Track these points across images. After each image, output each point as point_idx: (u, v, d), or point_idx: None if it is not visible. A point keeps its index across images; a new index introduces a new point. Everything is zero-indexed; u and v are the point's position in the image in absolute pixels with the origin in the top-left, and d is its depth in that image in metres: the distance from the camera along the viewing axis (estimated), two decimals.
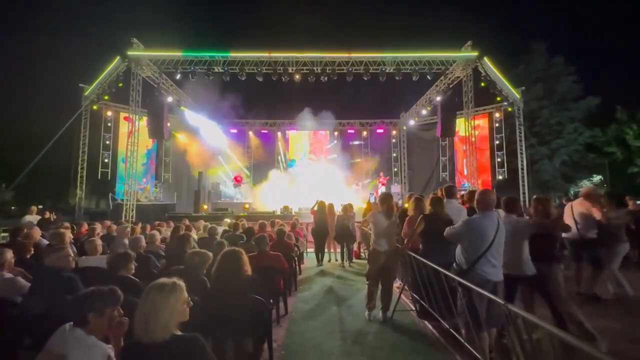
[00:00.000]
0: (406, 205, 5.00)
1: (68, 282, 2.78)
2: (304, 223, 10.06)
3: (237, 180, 15.55)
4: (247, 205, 13.84)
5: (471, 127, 13.45)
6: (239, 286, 2.59)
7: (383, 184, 15.71)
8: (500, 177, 15.83)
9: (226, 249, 2.75)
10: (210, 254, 3.02)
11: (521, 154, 14.84)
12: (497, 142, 16.08)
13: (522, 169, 14.79)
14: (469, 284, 2.68)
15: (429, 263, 3.48)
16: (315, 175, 15.24)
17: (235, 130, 18.32)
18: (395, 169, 18.90)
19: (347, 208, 8.18)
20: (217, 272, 2.62)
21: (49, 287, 2.68)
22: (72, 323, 1.69)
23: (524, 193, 14.59)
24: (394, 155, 19.02)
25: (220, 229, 6.61)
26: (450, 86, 13.73)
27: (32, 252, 4.01)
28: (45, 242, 4.98)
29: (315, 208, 8.55)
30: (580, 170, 22.31)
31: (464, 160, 16.06)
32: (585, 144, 21.89)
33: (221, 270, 2.62)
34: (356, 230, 8.34)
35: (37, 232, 4.98)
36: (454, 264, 3.18)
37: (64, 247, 3.10)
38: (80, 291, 2.49)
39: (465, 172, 15.95)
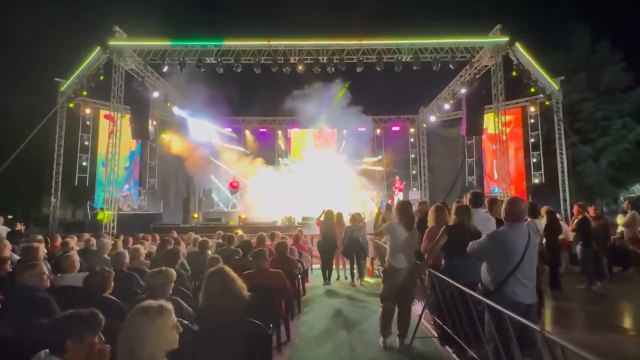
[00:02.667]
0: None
1: (43, 304, 2.83)
2: (308, 235, 10.06)
3: (234, 187, 15.61)
4: (243, 215, 13.91)
5: (502, 123, 13.38)
6: (232, 309, 2.61)
7: (400, 190, 15.67)
8: (537, 182, 15.68)
9: (211, 269, 2.79)
10: (173, 270, 3.07)
11: (561, 154, 14.70)
12: (533, 140, 15.94)
13: (563, 171, 14.64)
14: (497, 307, 2.67)
15: (453, 282, 3.47)
16: (321, 180, 15.25)
17: (230, 129, 18.49)
18: (414, 172, 18.85)
19: (356, 218, 8.19)
20: (205, 295, 2.65)
21: (21, 309, 2.73)
22: (47, 350, 1.73)
23: (564, 200, 14.42)
24: (412, 156, 18.97)
25: (212, 243, 6.66)
26: (477, 77, 13.70)
27: (4, 269, 4.07)
28: (17, 257, 5.07)
29: (322, 218, 8.57)
30: (632, 172, 21.96)
31: (494, 162, 15.96)
32: (636, 141, 21.57)
33: (209, 293, 2.64)
34: (368, 243, 8.34)
35: (7, 247, 5.06)
36: (479, 284, 3.18)
37: (38, 264, 3.16)
38: (57, 314, 2.55)
39: (496, 176, 15.84)
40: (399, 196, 15.49)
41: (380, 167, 18.35)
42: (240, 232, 7.87)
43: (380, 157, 18.46)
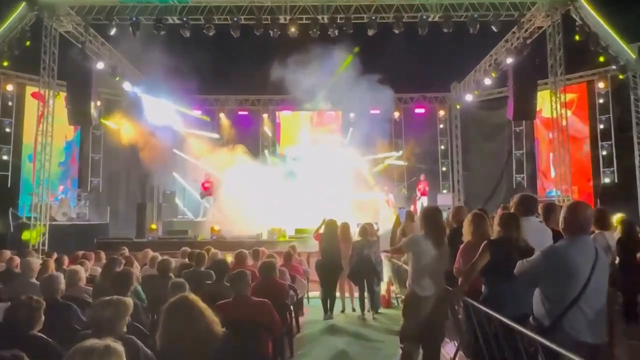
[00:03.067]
0: None
1: None
2: (304, 253, 10.09)
3: (206, 188, 15.59)
4: (216, 227, 13.92)
5: (561, 104, 13.40)
6: (201, 351, 2.61)
7: (423, 193, 15.67)
8: (607, 181, 15.70)
9: (173, 299, 2.80)
10: (130, 300, 3.08)
11: (639, 144, 14.72)
12: (602, 126, 15.96)
13: None
14: (555, 347, 2.68)
15: (496, 315, 3.47)
16: (321, 180, 15.27)
17: (199, 112, 18.48)
18: (444, 169, 18.88)
19: (367, 230, 8.21)
20: (164, 333, 2.66)
21: None
22: None
23: None
24: (442, 147, 19.03)
25: (176, 263, 6.66)
26: (528, 42, 13.70)
27: None
28: None
29: (322, 230, 8.57)
30: None
31: (551, 155, 15.99)
32: None
33: (170, 331, 2.65)
34: (383, 263, 8.35)
35: None
36: (531, 318, 3.19)
37: None
38: None
39: (553, 174, 15.86)
40: (422, 200, 15.50)
41: (399, 161, 18.36)
42: (213, 249, 7.87)
43: (400, 150, 18.46)
